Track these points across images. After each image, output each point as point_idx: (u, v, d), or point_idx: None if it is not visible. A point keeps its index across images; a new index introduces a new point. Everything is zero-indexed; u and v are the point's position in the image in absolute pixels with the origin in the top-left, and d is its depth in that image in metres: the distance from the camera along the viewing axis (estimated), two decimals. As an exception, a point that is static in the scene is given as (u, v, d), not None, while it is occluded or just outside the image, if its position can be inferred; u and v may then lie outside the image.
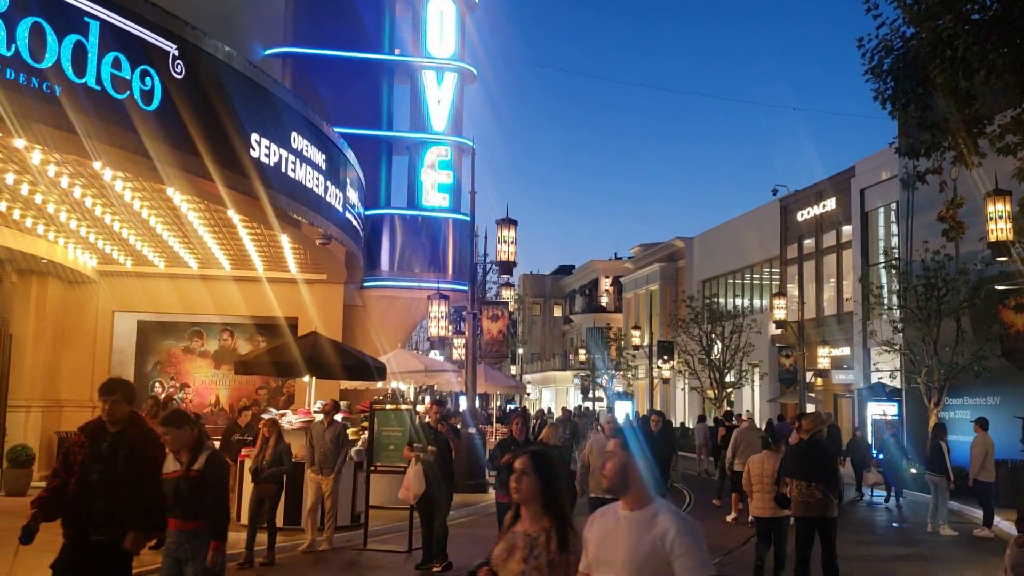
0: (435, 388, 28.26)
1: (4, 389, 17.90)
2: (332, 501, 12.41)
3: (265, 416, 15.63)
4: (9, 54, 8.77)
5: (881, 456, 19.29)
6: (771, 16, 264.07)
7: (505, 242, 18.21)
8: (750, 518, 14.37)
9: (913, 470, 19.09)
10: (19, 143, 10.06)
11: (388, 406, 13.90)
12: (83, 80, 9.65)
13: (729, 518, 15.88)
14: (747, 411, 32.38)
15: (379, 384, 19.50)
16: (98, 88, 9.85)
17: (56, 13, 9.30)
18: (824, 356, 28.71)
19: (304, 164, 14.54)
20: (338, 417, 15.74)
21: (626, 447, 3.81)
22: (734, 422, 21.41)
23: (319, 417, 15.57)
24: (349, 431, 15.56)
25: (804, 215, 32.55)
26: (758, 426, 18.51)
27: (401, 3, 26.55)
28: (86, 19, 9.63)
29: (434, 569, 11.08)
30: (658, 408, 36.81)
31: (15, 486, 16.09)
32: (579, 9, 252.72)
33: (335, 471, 12.33)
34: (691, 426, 33.56)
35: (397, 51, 26.00)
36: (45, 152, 10.79)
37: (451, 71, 25.50)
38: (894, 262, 22.73)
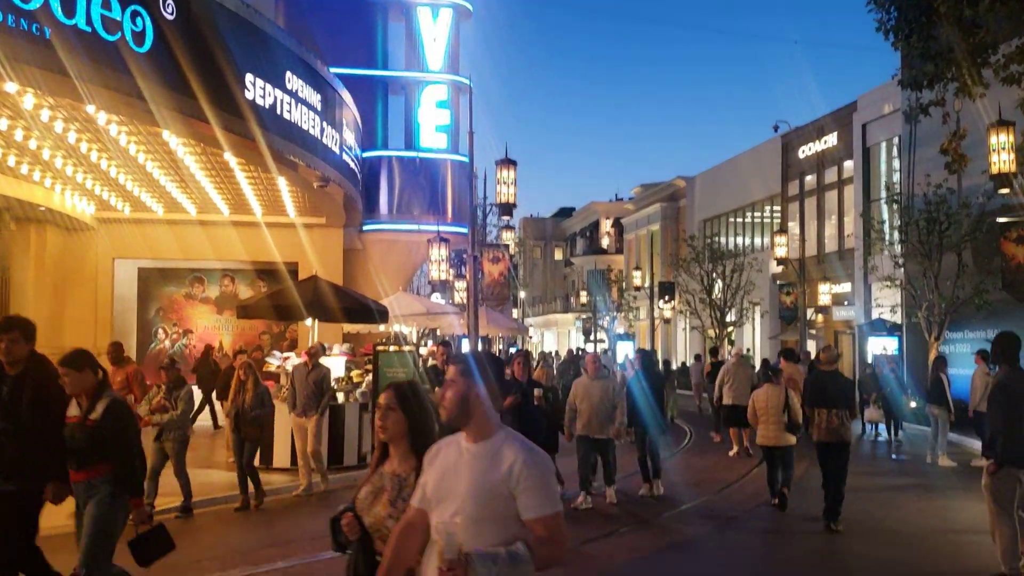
0: (437, 331, 28.36)
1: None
2: (316, 442, 12.26)
3: (274, 360, 15.73)
4: (-4, -6, 8.62)
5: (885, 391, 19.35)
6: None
7: (505, 183, 18.04)
8: (748, 449, 15.08)
9: (913, 403, 19.21)
10: (11, 87, 9.95)
11: (391, 348, 13.92)
12: (73, 21, 9.51)
13: (731, 453, 16.10)
14: (747, 348, 32.53)
15: (381, 327, 19.56)
16: (88, 29, 9.71)
17: (42, -49, 9.12)
18: (825, 293, 28.70)
19: (299, 105, 14.40)
20: (336, 361, 15.87)
21: (466, 374, 3.40)
22: (720, 358, 21.68)
23: (331, 360, 15.65)
24: (353, 373, 15.66)
25: (805, 151, 32.30)
26: (752, 363, 18.49)
27: (394, -61, 26.05)
28: (73, -43, 9.44)
29: None
30: (646, 347, 36.86)
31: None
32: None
33: (318, 413, 12.22)
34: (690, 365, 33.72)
35: (391, -13, 25.60)
36: (38, 96, 10.67)
37: (446, 7, 25.11)
38: (896, 197, 22.61)
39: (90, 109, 11.07)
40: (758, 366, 22.05)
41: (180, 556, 8.37)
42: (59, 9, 9.31)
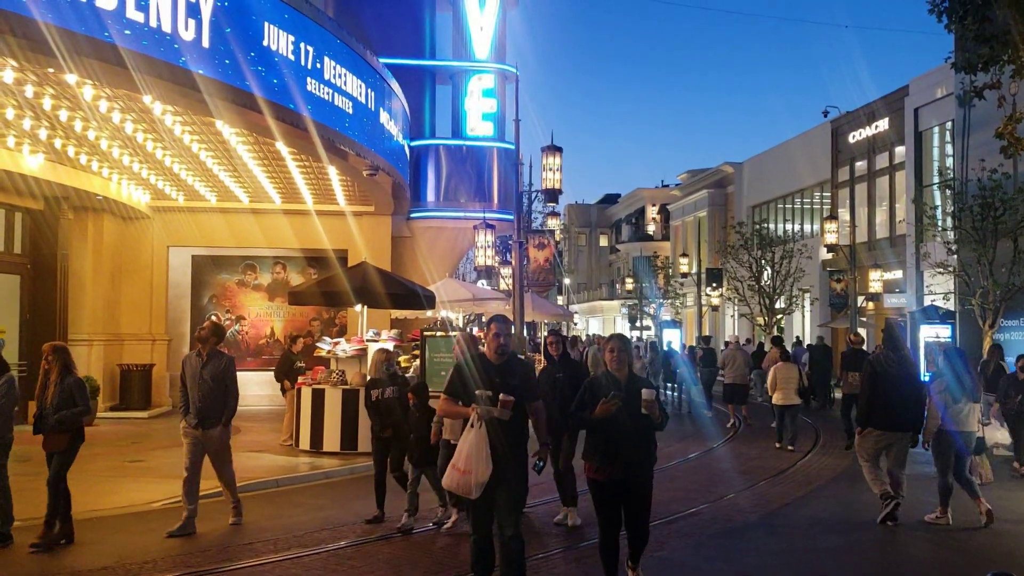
0: (483, 317, 28.48)
1: (64, 323, 18.44)
2: (224, 464, 9.00)
3: (324, 345, 15.88)
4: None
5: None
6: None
7: (550, 169, 18.10)
8: (735, 419, 19.11)
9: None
10: (71, 79, 10.21)
11: (438, 334, 14.08)
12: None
13: (729, 424, 19.07)
14: (796, 336, 32.20)
15: (428, 313, 19.73)
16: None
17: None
18: (876, 280, 28.31)
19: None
20: (385, 346, 15.93)
21: None
22: (710, 345, 24.99)
23: (380, 345, 15.72)
24: (400, 359, 15.80)
25: (856, 137, 31.85)
26: (743, 348, 21.96)
27: (441, -71, 26.13)
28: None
29: None
30: (702, 334, 36.61)
31: (82, 416, 16.66)
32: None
33: (222, 423, 8.77)
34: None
35: (438, -23, 25.69)
36: (96, 87, 10.93)
37: (493, -4, 25.11)
38: (949, 182, 22.23)
39: (146, 100, 11.32)
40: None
41: (231, 539, 8.61)
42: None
